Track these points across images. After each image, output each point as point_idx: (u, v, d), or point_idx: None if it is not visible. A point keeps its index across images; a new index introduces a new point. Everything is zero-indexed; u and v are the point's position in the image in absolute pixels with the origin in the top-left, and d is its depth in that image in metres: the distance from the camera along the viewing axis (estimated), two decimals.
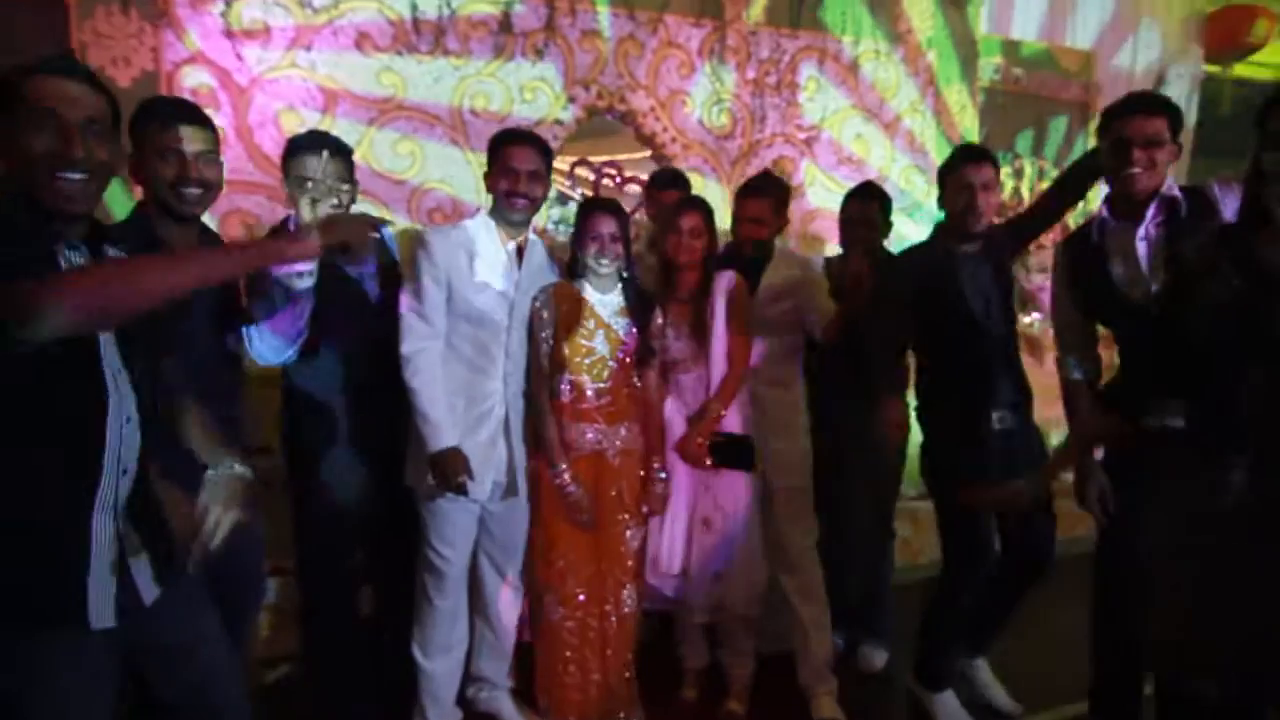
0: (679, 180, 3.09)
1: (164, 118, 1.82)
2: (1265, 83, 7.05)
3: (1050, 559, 2.19)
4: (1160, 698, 1.84)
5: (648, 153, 4.46)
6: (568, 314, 2.03)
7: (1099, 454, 2.02)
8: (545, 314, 2.04)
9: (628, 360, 2.06)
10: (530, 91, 4.08)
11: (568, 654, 2.06)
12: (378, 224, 1.62)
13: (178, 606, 1.37)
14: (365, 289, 2.15)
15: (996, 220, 2.46)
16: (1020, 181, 5.96)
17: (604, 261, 2.01)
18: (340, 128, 3.85)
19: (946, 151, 5.19)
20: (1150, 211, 1.85)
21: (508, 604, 2.18)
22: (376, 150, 3.86)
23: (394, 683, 2.19)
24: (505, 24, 3.99)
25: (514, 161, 2.03)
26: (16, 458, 1.17)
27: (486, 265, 2.04)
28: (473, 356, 2.05)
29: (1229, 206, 1.81)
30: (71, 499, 1.22)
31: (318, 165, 1.92)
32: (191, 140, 1.80)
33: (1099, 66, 6.11)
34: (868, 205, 2.61)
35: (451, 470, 1.84)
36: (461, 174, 4.03)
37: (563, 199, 4.26)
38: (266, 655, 2.77)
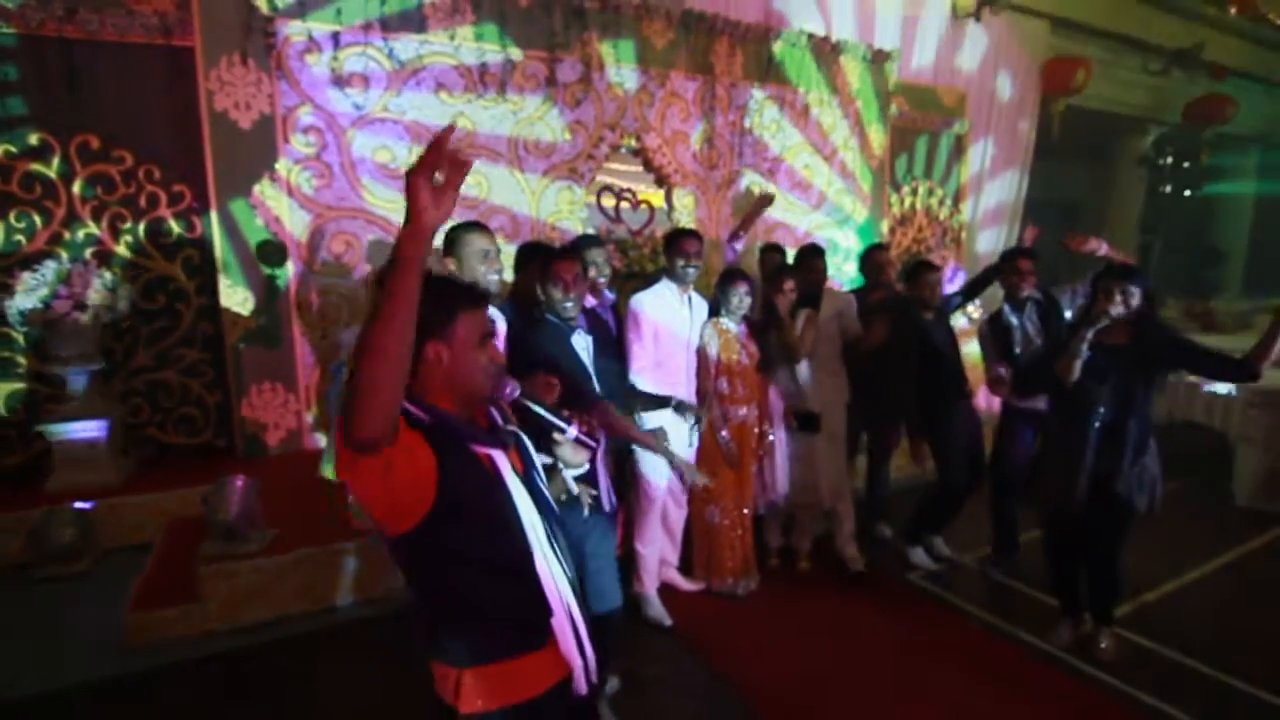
0: (781, 249, 4.42)
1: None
2: (1089, 110, 9.28)
3: (982, 473, 3.66)
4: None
5: (651, 176, 5.57)
6: (724, 341, 3.19)
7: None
8: (712, 342, 3.18)
9: (754, 365, 3.26)
10: (570, 131, 5.07)
11: (724, 540, 3.28)
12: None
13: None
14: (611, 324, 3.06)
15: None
16: (910, 196, 7.55)
17: (741, 309, 3.18)
18: None
19: (870, 178, 6.68)
20: (1029, 306, 3.43)
21: (679, 514, 3.34)
22: None
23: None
24: (551, 77, 4.94)
25: (688, 247, 3.10)
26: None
27: (674, 311, 3.14)
28: (668, 369, 3.11)
29: (1066, 302, 3.37)
30: None
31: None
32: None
33: (970, 102, 7.83)
34: (882, 254, 4.03)
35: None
36: (519, 199, 4.98)
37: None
38: None
